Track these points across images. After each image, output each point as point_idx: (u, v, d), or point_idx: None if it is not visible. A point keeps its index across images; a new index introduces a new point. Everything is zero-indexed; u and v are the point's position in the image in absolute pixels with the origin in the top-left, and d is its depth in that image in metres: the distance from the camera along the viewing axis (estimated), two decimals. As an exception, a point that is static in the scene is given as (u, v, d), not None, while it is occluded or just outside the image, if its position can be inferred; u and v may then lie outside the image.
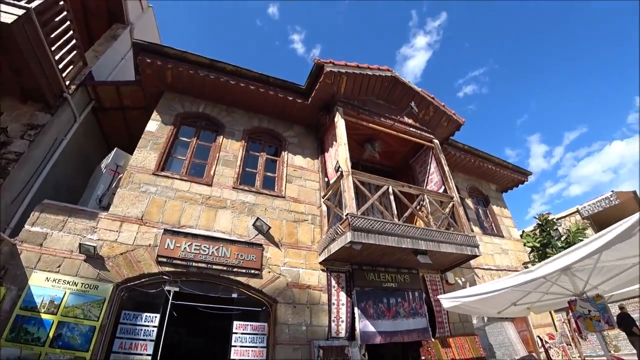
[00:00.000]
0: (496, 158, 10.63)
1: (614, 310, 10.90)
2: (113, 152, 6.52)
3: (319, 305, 5.68)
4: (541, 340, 8.59)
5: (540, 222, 12.67)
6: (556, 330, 9.86)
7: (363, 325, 5.70)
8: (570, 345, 10.18)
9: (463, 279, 7.82)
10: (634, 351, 9.67)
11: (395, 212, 6.04)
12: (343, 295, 5.88)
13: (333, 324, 5.55)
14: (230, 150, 6.75)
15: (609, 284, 5.48)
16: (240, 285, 5.36)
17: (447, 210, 6.81)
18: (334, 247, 5.55)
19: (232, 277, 5.33)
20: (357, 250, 5.35)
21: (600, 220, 17.97)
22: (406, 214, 6.08)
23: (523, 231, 13.47)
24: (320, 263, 6.06)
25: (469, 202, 9.86)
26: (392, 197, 6.18)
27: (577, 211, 19.66)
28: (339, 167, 5.99)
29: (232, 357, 4.95)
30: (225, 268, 5.31)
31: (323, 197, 6.72)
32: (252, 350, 5.09)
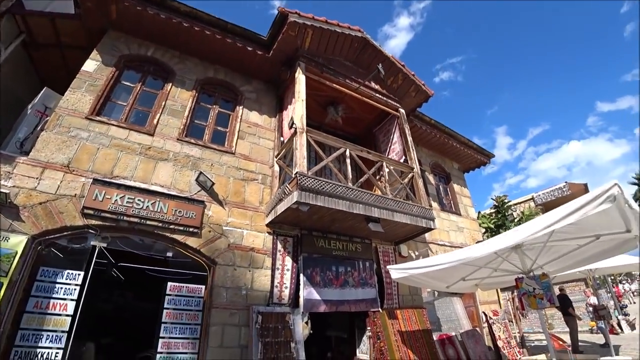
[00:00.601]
0: (461, 136, 10.55)
1: (555, 292, 11.51)
2: (42, 92, 5.74)
3: (262, 270, 5.36)
4: (486, 316, 8.80)
5: (496, 204, 12.94)
6: (500, 308, 10.20)
7: (308, 292, 5.46)
8: (512, 322, 10.62)
9: (417, 253, 7.77)
10: (566, 329, 10.27)
11: (351, 177, 5.72)
12: (289, 261, 5.59)
13: (276, 290, 5.27)
14: (179, 99, 6.13)
15: (554, 265, 5.53)
16: (177, 243, 4.91)
17: (406, 180, 6.60)
18: (281, 207, 5.19)
19: (167, 234, 4.87)
20: (306, 214, 5.03)
21: (552, 209, 18.84)
22: (362, 180, 5.81)
23: (479, 212, 13.78)
24: (267, 225, 5.70)
25: (430, 177, 9.78)
26: (348, 161, 5.85)
27: (532, 198, 20.52)
28: (293, 123, 5.55)
29: (163, 319, 4.58)
30: (160, 224, 4.82)
31: (276, 157, 6.30)
32: (186, 314, 4.73)
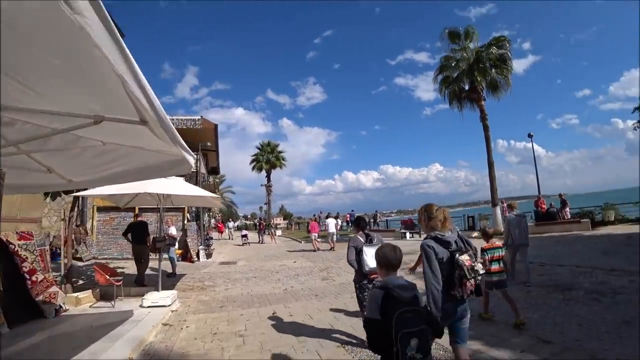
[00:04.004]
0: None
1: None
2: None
3: None
4: (1, 240, 6.17)
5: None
6: (43, 228, 8.10)
7: None
8: (63, 248, 8.08)
9: None
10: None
11: None
12: None
13: None
14: None
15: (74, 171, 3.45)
16: None
17: None
18: None
19: None
20: None
21: (183, 136, 18.60)
22: None
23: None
24: None
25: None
26: None
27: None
28: None
29: None
30: None
31: None
32: None
